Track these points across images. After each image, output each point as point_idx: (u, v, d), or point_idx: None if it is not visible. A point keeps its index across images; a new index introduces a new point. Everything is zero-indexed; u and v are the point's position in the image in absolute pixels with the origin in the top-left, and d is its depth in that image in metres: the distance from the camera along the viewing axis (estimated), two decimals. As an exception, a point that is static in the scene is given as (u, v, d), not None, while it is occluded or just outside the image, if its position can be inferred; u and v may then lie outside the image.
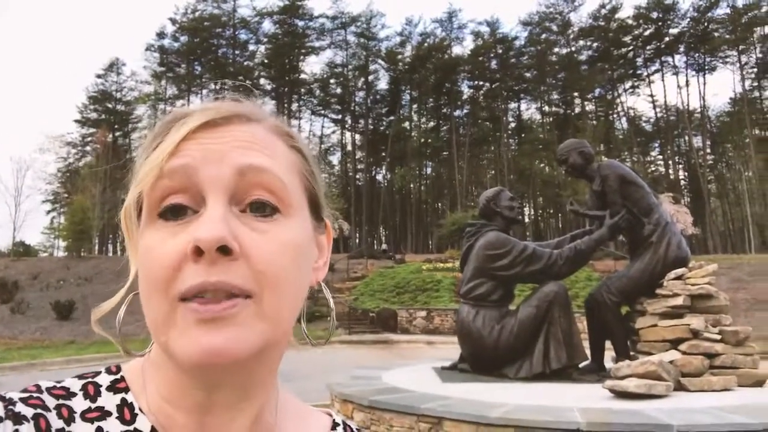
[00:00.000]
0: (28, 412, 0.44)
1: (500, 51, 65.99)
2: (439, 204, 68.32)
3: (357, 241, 58.07)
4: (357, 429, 0.63)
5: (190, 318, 0.43)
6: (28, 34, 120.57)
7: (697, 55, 57.98)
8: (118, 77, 65.95)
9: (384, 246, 51.55)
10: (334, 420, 0.62)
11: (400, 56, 68.89)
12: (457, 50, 69.36)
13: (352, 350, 16.45)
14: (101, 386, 0.51)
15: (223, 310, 0.43)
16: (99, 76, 65.24)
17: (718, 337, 5.57)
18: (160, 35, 65.44)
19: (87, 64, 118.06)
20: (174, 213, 0.46)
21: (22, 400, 0.45)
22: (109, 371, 0.53)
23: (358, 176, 68.75)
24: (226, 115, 0.49)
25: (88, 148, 62.91)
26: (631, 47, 61.29)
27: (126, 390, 0.51)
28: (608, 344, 6.49)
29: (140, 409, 0.49)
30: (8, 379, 11.47)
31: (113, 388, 0.51)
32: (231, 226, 0.44)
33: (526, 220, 62.75)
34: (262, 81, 68.32)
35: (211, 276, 0.43)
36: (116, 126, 62.82)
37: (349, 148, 71.00)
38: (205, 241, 0.42)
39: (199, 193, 0.46)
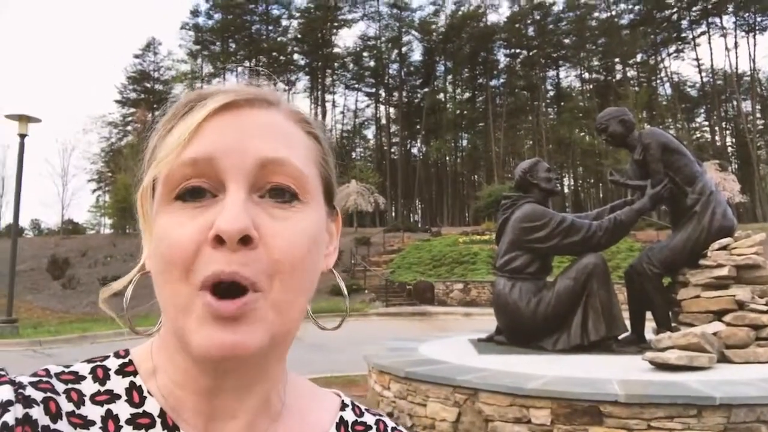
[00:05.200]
0: (38, 395, 0.45)
1: (538, 17, 64.18)
2: (476, 176, 67.67)
3: (393, 214, 58.16)
4: (366, 409, 0.63)
5: (208, 312, 0.44)
6: (68, 17, 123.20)
7: (747, 14, 55.15)
8: (155, 57, 67.06)
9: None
10: (343, 401, 0.63)
11: (433, 26, 67.79)
12: (492, 18, 67.91)
13: (389, 322, 16.62)
14: (110, 370, 0.51)
15: (238, 308, 0.44)
16: (137, 56, 66.49)
17: (765, 308, 5.39)
18: (195, 13, 66.14)
19: (125, 45, 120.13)
20: (192, 195, 0.46)
21: (32, 384, 0.46)
22: (117, 355, 0.54)
23: (393, 150, 68.52)
24: (247, 97, 0.49)
25: (129, 127, 64.42)
26: (675, 9, 58.69)
27: (134, 373, 0.51)
28: (649, 316, 6.37)
29: (149, 392, 0.50)
30: (62, 350, 12.03)
31: (122, 371, 0.52)
32: (251, 213, 0.45)
33: (566, 190, 61.66)
34: (295, 56, 68.43)
35: (227, 266, 0.43)
36: (155, 105, 63.94)
37: (384, 121, 70.69)
38: (227, 232, 0.43)
39: (219, 179, 0.46)
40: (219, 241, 0.43)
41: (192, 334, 0.44)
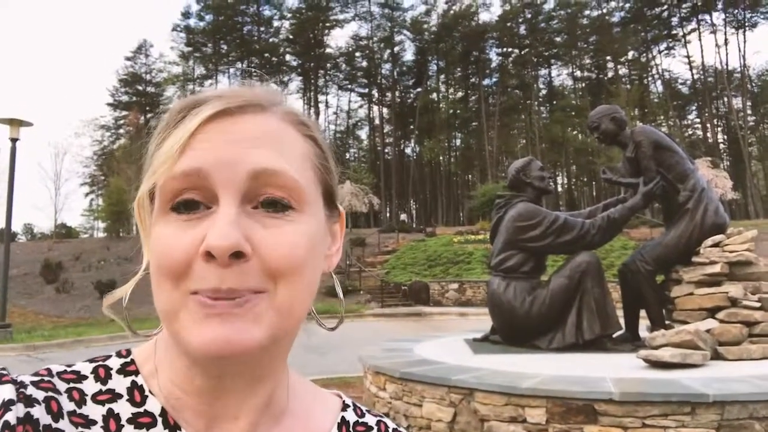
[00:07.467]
0: (39, 395, 0.45)
1: (529, 15, 64.37)
2: (470, 176, 67.77)
3: (387, 215, 58.16)
4: (367, 410, 0.63)
5: (202, 310, 0.44)
6: (58, 20, 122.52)
7: (736, 11, 55.46)
8: (147, 59, 66.83)
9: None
10: (344, 401, 0.63)
11: (425, 25, 67.89)
12: (484, 17, 68.43)
13: (385, 323, 16.62)
14: (111, 369, 0.51)
15: (235, 305, 0.44)
16: (128, 59, 66.23)
17: (758, 304, 5.42)
18: (186, 15, 65.95)
19: (117, 47, 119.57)
20: (187, 207, 0.46)
21: (33, 383, 0.46)
22: (119, 355, 0.54)
23: (386, 150, 68.51)
24: (240, 104, 0.49)
25: (121, 130, 64.09)
26: (665, 6, 59.02)
27: (136, 373, 0.52)
28: (643, 314, 6.40)
29: (150, 392, 0.50)
30: (57, 355, 11.96)
31: (123, 371, 0.52)
32: (243, 226, 0.45)
33: (559, 189, 61.85)
34: (287, 57, 68.31)
35: (224, 282, 0.44)
36: (147, 108, 63.73)
37: (377, 122, 70.65)
38: (218, 248, 0.43)
39: (211, 191, 0.46)
40: (210, 256, 0.44)
41: (188, 333, 0.44)
